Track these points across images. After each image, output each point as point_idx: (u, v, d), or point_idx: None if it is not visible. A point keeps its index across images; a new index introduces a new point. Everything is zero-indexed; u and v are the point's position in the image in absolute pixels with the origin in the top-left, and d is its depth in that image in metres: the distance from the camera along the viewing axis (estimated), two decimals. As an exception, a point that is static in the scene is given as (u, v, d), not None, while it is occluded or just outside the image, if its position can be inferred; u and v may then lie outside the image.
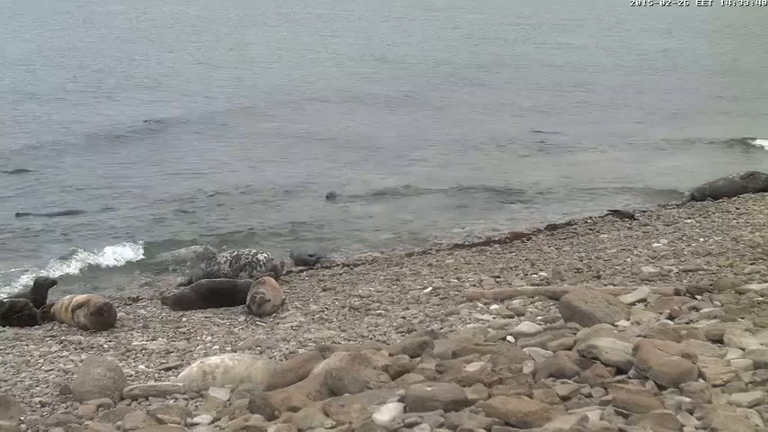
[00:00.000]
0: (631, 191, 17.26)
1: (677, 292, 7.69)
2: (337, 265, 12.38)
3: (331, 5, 70.71)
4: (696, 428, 3.74)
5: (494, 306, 8.74)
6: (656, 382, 4.22)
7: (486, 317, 8.32)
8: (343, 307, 9.52)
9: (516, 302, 8.75)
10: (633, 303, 7.19)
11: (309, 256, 12.79)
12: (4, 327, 9.46)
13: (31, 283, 10.84)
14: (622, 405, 3.96)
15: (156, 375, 7.38)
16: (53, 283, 10.82)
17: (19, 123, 23.22)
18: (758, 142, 22.21)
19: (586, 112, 27.46)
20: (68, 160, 19.39)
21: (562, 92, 31.08)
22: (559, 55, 42.28)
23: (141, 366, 7.69)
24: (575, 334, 5.58)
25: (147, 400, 6.48)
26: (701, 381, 4.22)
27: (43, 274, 11.59)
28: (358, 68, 35.85)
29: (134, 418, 5.40)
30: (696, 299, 7.21)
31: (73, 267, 12.51)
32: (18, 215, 15.07)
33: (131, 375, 7.31)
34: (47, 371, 7.61)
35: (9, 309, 9.73)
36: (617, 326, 5.94)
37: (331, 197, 16.69)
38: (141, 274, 12.49)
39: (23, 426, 5.88)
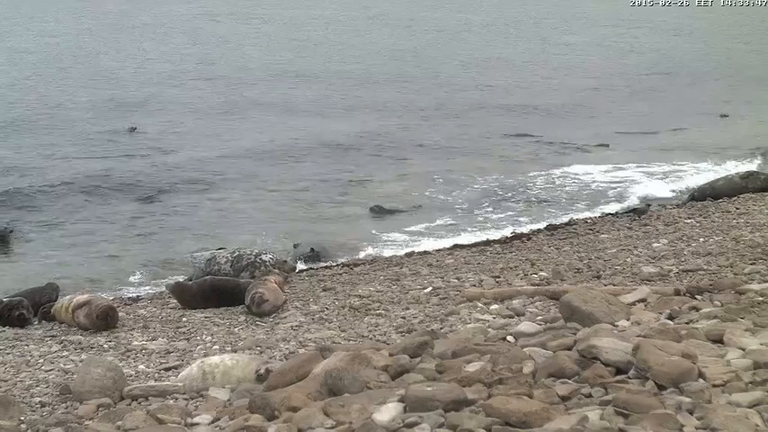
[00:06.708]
0: (631, 191, 17.29)
1: (677, 292, 7.67)
2: (337, 265, 12.40)
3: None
4: (696, 428, 3.74)
5: (494, 306, 8.72)
6: (656, 382, 4.22)
7: (486, 317, 8.30)
8: (343, 307, 9.50)
9: (516, 302, 8.73)
10: (633, 303, 7.17)
11: (311, 251, 12.86)
12: (3, 327, 9.47)
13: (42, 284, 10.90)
14: (622, 405, 3.95)
15: (156, 375, 7.37)
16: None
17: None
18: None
19: (586, 111, 27.45)
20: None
21: (561, 92, 31.04)
22: (559, 55, 42.23)
23: (141, 366, 7.68)
24: (575, 334, 5.57)
25: (147, 400, 6.47)
26: (701, 381, 4.22)
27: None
28: (359, 70, 35.81)
29: (134, 418, 5.40)
30: (696, 299, 7.19)
31: (74, 267, 12.52)
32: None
33: (131, 375, 7.30)
34: (47, 371, 7.60)
35: (4, 307, 9.72)
36: (617, 326, 5.93)
37: (332, 198, 16.71)
38: (142, 273, 12.49)
39: (23, 426, 5.87)
